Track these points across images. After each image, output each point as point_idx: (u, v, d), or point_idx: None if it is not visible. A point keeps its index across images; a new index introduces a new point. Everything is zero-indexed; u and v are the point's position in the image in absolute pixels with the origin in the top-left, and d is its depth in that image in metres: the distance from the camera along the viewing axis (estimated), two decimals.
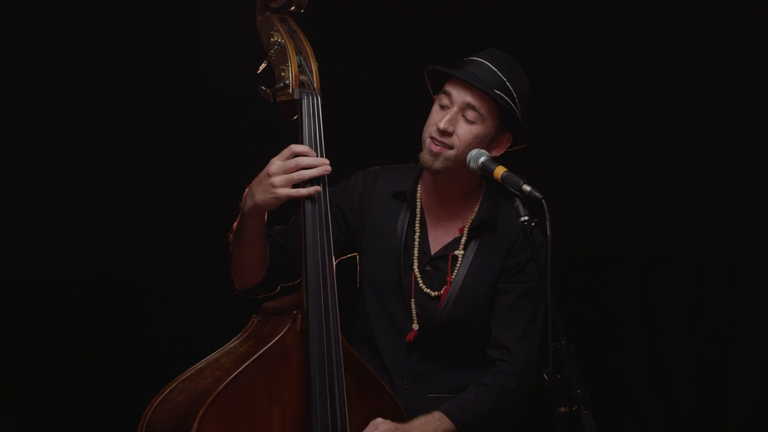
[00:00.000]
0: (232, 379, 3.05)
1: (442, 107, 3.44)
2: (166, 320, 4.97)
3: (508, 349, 3.47)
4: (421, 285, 3.51)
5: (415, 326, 3.50)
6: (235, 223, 3.37)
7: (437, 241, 3.55)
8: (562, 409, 2.98)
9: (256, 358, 3.09)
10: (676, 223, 5.14)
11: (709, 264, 5.13)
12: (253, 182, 3.29)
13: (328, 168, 3.24)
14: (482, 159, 3.35)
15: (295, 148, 3.23)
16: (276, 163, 3.22)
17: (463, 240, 3.52)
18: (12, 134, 4.83)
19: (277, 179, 3.21)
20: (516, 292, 3.50)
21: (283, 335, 3.13)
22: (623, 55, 5.15)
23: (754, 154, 5.04)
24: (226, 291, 4.75)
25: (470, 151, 3.40)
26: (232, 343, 3.22)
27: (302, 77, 3.28)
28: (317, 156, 3.25)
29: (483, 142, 3.45)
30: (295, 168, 3.21)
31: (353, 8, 4.93)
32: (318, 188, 3.23)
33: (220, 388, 3.03)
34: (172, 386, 3.13)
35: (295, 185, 3.23)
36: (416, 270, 3.51)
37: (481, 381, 3.46)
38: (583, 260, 5.18)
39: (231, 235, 3.40)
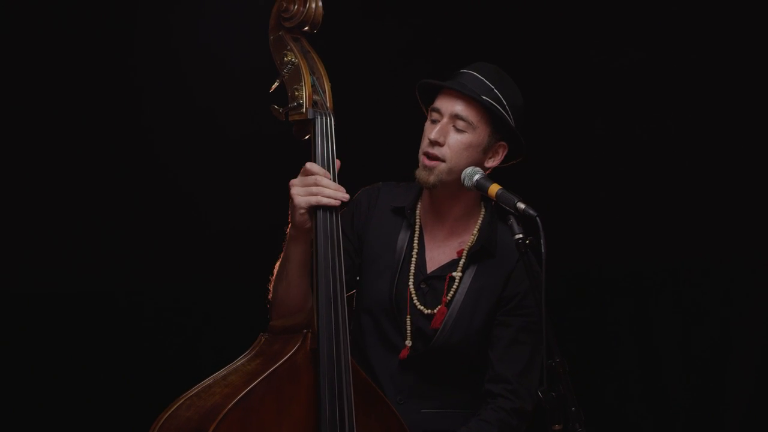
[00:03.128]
0: (242, 396, 3.04)
1: (434, 122, 3.49)
2: (166, 337, 4.95)
3: (509, 384, 3.48)
4: (415, 302, 3.53)
5: (408, 342, 3.52)
6: (278, 264, 3.37)
7: (434, 260, 3.57)
8: (557, 427, 3.01)
9: (266, 376, 3.08)
10: (669, 237, 5.16)
11: (703, 279, 5.15)
12: None
13: (346, 196, 3.25)
14: (477, 177, 3.38)
15: (309, 166, 3.23)
16: (295, 180, 3.24)
17: (461, 262, 3.55)
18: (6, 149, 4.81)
19: (294, 190, 3.22)
20: (516, 326, 3.52)
21: (293, 354, 3.12)
22: (612, 79, 5.19)
23: (748, 168, 5.08)
24: (225, 308, 4.77)
25: (462, 160, 3.45)
26: (240, 361, 3.21)
27: (315, 97, 3.29)
28: (330, 176, 3.25)
29: (476, 151, 3.49)
30: (314, 183, 3.21)
31: (367, 18, 4.98)
32: (343, 196, 3.23)
33: (230, 406, 3.02)
34: (180, 402, 3.11)
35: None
36: (411, 287, 3.53)
37: (482, 417, 3.47)
38: (578, 277, 5.20)
39: (272, 279, 3.39)
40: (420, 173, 3.48)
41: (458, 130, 3.47)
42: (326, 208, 3.22)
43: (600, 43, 5.16)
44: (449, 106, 3.48)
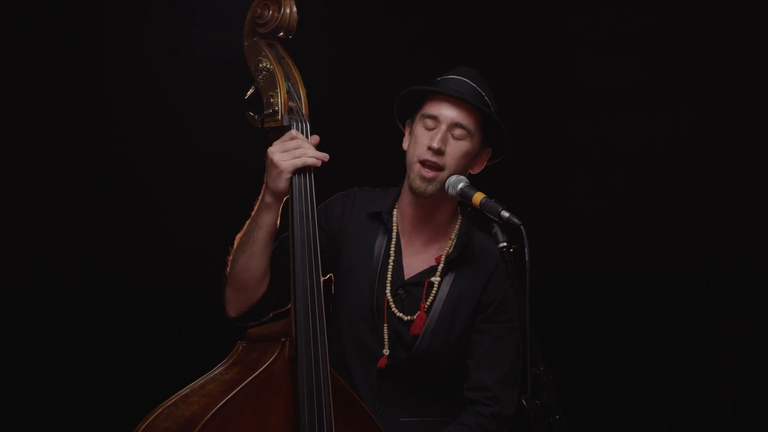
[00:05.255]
0: (220, 406, 3.02)
1: (428, 129, 3.46)
2: (146, 348, 4.92)
3: (489, 391, 3.48)
4: (393, 309, 3.51)
5: (386, 351, 3.50)
6: (240, 234, 3.34)
7: (412, 267, 3.56)
8: None
9: (244, 385, 3.06)
10: (653, 245, 5.17)
11: (686, 290, 5.16)
12: None
13: (326, 156, 3.23)
14: (461, 185, 3.37)
15: (294, 132, 3.22)
16: (275, 144, 3.22)
17: (440, 268, 3.53)
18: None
19: (277, 156, 3.20)
20: (494, 333, 3.51)
21: (271, 362, 3.11)
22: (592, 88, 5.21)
23: (731, 174, 5.10)
24: (204, 318, 4.74)
25: (459, 168, 3.44)
26: (217, 370, 3.20)
27: (291, 103, 3.27)
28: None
29: (470, 158, 3.49)
30: (298, 147, 3.20)
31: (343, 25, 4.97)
32: (324, 155, 3.22)
33: (208, 416, 3.00)
34: (158, 412, 3.09)
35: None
36: (389, 294, 3.52)
37: (460, 420, 3.47)
38: (562, 286, 5.20)
39: (232, 250, 3.36)
40: (418, 183, 3.44)
41: (456, 138, 3.45)
42: (303, 210, 3.20)
43: (584, 51, 5.17)
44: (447, 113, 3.45)
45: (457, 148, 3.45)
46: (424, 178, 3.43)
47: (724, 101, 5.05)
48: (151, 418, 3.09)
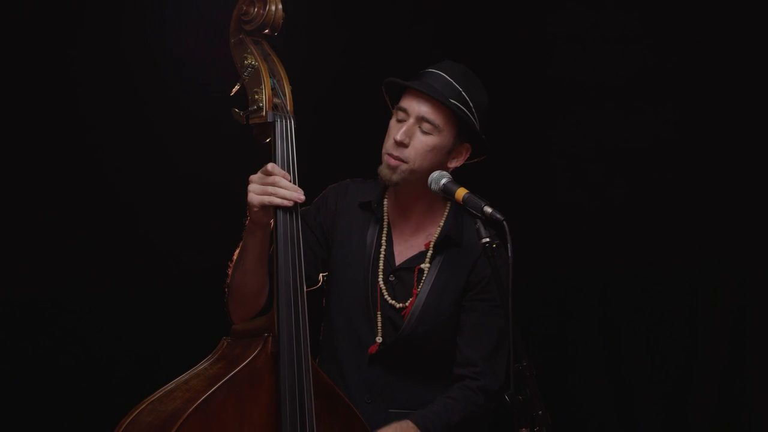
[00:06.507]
0: (202, 401, 3.03)
1: (399, 121, 3.49)
2: (130, 342, 4.93)
3: (476, 366, 3.50)
4: (386, 297, 3.54)
5: (379, 339, 3.53)
6: (237, 251, 3.37)
7: (402, 254, 3.59)
8: (524, 431, 3.00)
9: (226, 380, 3.08)
10: (636, 245, 5.15)
11: (670, 287, 5.14)
12: None
13: (302, 197, 3.25)
14: (443, 181, 3.38)
15: (270, 167, 3.23)
16: (254, 177, 3.24)
17: (429, 254, 3.56)
18: None
19: (251, 187, 3.23)
20: (480, 310, 3.54)
21: (253, 358, 3.12)
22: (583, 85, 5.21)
23: (712, 171, 5.07)
24: (191, 313, 4.74)
25: (426, 162, 3.46)
26: (202, 365, 3.21)
27: (276, 100, 3.29)
28: (290, 178, 3.25)
29: (440, 153, 3.50)
30: (271, 184, 3.21)
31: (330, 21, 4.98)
32: (298, 197, 3.23)
33: (190, 410, 3.01)
34: (141, 407, 3.11)
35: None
36: (381, 282, 3.54)
37: (447, 394, 3.50)
38: (545, 282, 5.19)
39: (231, 265, 3.39)
40: (383, 171, 3.49)
41: (424, 132, 3.48)
42: (285, 209, 3.21)
43: (568, 47, 5.17)
44: (416, 107, 3.48)
45: (423, 142, 3.47)
46: (388, 166, 3.48)
47: (709, 98, 5.02)
48: (135, 413, 3.10)
